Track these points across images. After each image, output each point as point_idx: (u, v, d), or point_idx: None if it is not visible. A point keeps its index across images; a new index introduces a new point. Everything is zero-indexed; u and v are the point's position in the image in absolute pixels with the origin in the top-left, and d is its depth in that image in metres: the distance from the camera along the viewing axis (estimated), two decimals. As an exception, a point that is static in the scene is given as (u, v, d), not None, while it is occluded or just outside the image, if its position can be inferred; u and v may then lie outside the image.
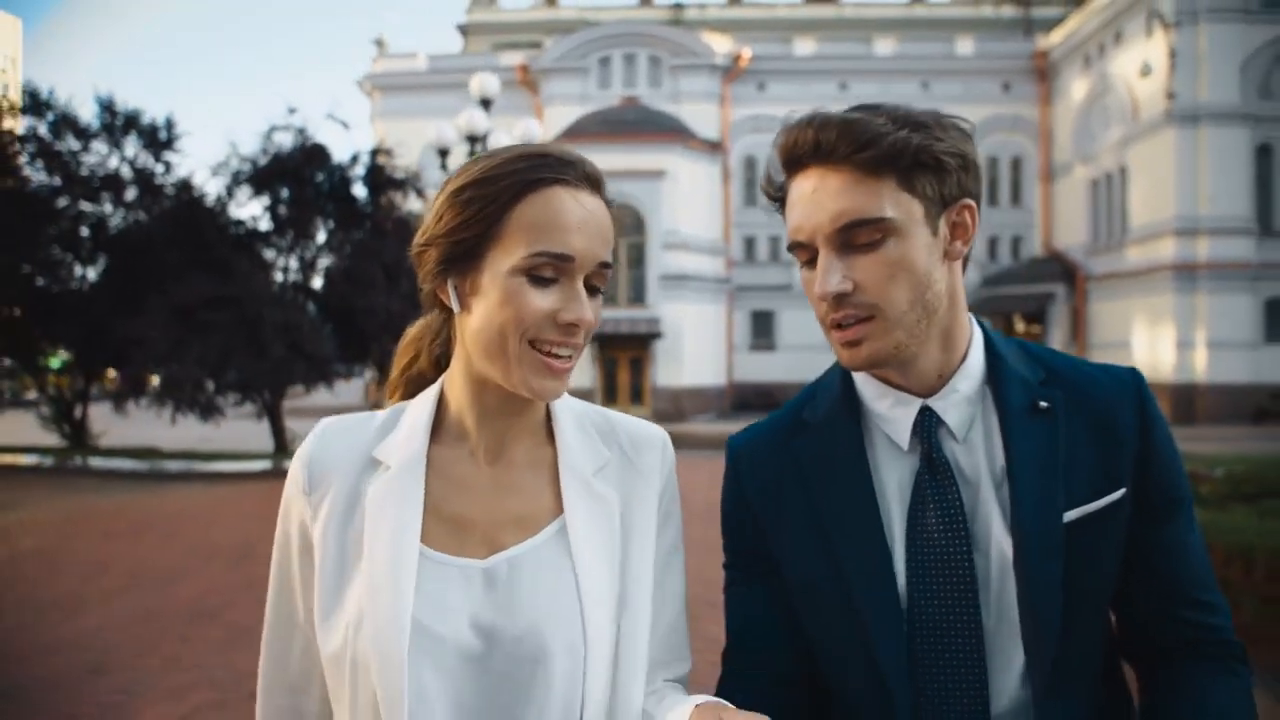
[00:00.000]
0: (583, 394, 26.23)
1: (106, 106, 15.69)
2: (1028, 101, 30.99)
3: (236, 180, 15.66)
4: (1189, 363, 23.88)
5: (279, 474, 12.99)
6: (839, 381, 1.11)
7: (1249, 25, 23.74)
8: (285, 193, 15.73)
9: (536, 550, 0.95)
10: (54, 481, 13.38)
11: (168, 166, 16.15)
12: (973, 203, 1.01)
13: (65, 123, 15.52)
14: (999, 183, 31.15)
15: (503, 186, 0.91)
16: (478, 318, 0.92)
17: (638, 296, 26.79)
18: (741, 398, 29.72)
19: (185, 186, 15.75)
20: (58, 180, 15.55)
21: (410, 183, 16.53)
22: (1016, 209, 31.34)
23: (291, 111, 15.82)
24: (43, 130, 15.56)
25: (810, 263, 1.01)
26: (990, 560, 1.00)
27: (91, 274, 16.22)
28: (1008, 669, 0.99)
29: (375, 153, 16.43)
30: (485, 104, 12.57)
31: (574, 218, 0.91)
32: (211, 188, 19.04)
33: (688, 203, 27.04)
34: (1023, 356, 1.08)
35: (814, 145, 0.97)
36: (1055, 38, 30.34)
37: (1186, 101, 23.71)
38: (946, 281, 1.01)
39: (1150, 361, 24.48)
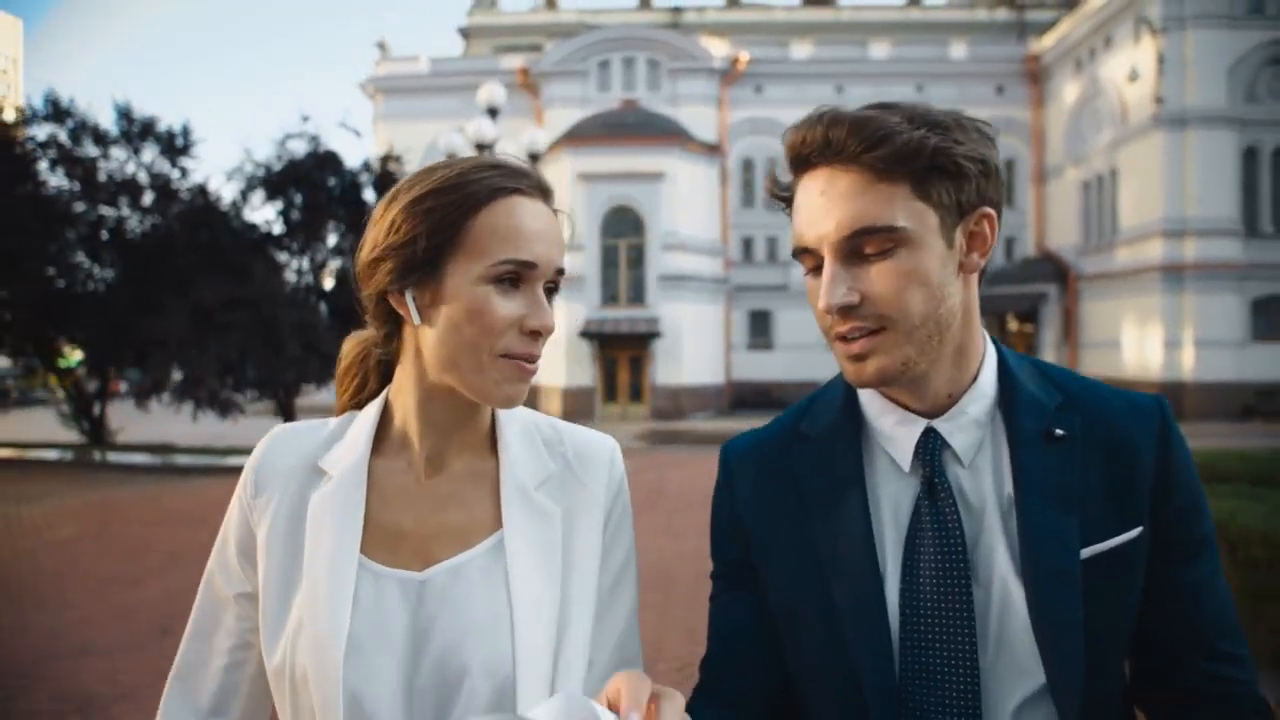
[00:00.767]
0: (583, 392, 26.77)
1: (125, 114, 16.19)
2: (1020, 104, 31.33)
3: (250, 185, 16.16)
4: (1177, 361, 24.24)
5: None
6: (841, 395, 1.05)
7: (1235, 31, 24.12)
8: (298, 198, 16.22)
9: (470, 564, 0.93)
10: (77, 475, 13.79)
11: (184, 172, 16.65)
12: (992, 212, 0.94)
13: (85, 129, 16.01)
14: (994, 184, 31.55)
15: (466, 195, 0.90)
16: (441, 328, 0.91)
17: (637, 296, 26.86)
18: (739, 396, 30.04)
19: (201, 191, 16.23)
20: (77, 185, 16.04)
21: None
22: (1010, 210, 31.68)
23: (305, 119, 16.37)
24: (63, 137, 16.03)
25: (816, 270, 0.94)
26: (991, 594, 0.93)
27: (110, 276, 16.65)
28: (1002, 707, 0.92)
29: (385, 159, 16.91)
30: (492, 112, 13.05)
31: (535, 226, 0.92)
32: (226, 192, 19.48)
33: (686, 204, 27.21)
34: (1038, 378, 1.01)
35: (823, 143, 0.90)
36: (1047, 42, 30.69)
37: (1174, 105, 24.08)
38: (961, 296, 0.95)
39: (1138, 360, 24.96)
